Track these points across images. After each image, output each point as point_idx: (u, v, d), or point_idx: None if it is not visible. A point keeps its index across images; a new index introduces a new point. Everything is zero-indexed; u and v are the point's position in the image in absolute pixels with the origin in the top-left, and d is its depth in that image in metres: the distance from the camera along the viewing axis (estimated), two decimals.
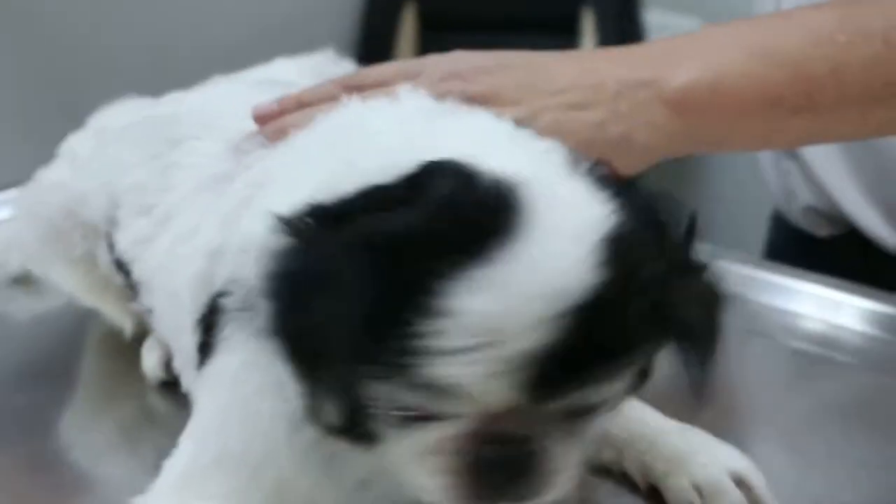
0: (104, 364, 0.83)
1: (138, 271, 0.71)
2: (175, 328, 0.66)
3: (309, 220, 0.47)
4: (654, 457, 0.64)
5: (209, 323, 0.58)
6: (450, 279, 0.43)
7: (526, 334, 0.43)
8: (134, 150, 0.73)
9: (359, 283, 0.44)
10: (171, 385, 0.72)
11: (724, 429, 0.67)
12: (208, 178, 0.66)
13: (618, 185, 0.50)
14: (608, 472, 0.66)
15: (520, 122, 0.57)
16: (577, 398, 0.46)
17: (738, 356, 0.82)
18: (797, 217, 1.02)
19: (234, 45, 1.64)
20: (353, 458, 0.53)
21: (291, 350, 0.47)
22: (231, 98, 0.74)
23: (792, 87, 0.67)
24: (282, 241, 0.47)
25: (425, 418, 0.47)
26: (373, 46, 1.98)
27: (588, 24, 1.98)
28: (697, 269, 0.51)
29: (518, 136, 0.55)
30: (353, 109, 0.61)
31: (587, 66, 0.68)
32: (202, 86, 0.81)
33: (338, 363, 0.46)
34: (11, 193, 1.00)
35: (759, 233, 1.16)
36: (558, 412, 0.47)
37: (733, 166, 2.02)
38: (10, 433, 0.72)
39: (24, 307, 0.91)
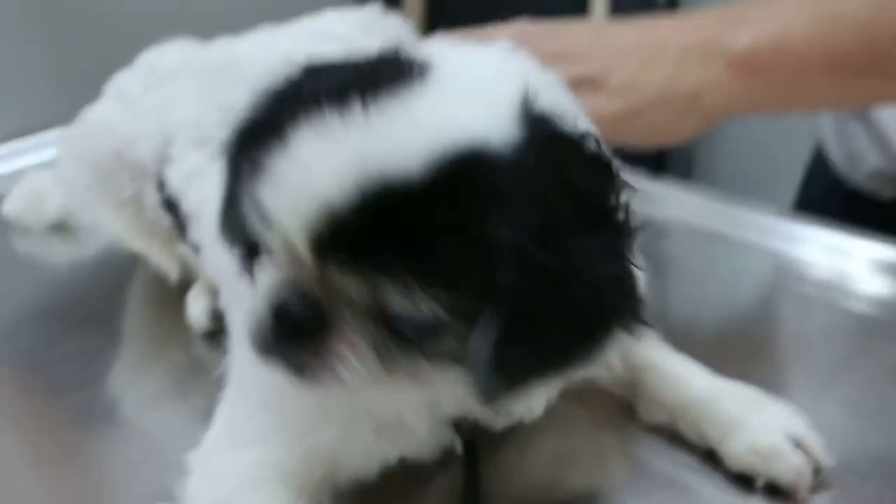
0: (149, 312, 0.82)
1: (189, 204, 0.70)
2: (222, 262, 0.64)
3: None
4: (709, 422, 0.63)
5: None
6: (296, 121, 0.46)
7: (329, 186, 0.44)
8: (191, 87, 0.73)
9: (263, 125, 0.49)
10: (217, 333, 0.72)
11: (779, 385, 0.67)
12: None
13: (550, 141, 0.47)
14: (661, 431, 0.65)
15: (591, 79, 0.55)
16: (363, 284, 0.46)
17: (797, 317, 0.81)
18: (860, 180, 1.00)
19: None
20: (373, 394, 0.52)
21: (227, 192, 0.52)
22: (291, 46, 0.73)
23: (858, 50, 0.66)
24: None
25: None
26: None
27: None
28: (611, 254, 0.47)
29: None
30: None
31: (649, 29, 0.68)
32: (254, 33, 0.79)
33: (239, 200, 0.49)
34: (52, 134, 1.03)
35: (788, 184, 1.15)
36: (354, 296, 0.46)
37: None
38: (60, 382, 0.72)
39: (63, 253, 0.91)
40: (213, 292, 0.73)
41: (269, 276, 0.49)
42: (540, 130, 0.47)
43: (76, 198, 0.82)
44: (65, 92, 1.40)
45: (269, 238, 0.47)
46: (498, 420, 0.58)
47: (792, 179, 1.15)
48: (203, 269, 0.73)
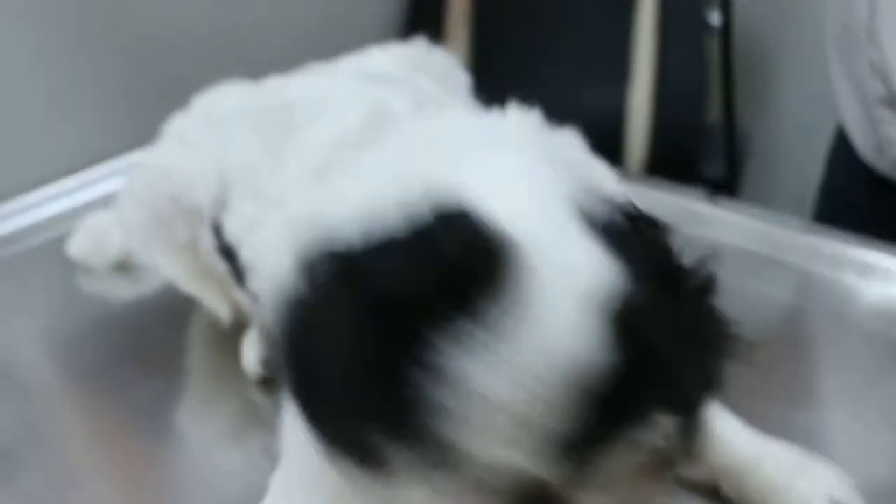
0: (208, 354, 0.85)
1: (246, 255, 0.71)
2: None
3: (323, 266, 0.46)
4: (753, 486, 0.64)
5: None
6: (457, 353, 0.41)
7: (539, 411, 0.41)
8: (247, 132, 0.74)
9: (359, 337, 0.43)
10: (270, 380, 0.73)
11: (824, 435, 0.68)
12: (312, 169, 0.66)
13: (631, 237, 0.47)
14: (702, 488, 0.66)
15: None
16: (599, 467, 0.44)
17: (829, 345, 0.81)
18: (887, 167, 0.99)
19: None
20: None
21: (304, 406, 0.47)
22: (339, 90, 0.74)
23: None
24: (295, 288, 0.46)
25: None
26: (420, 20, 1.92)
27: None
28: (709, 335, 0.48)
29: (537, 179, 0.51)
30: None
31: None
32: (303, 73, 0.81)
33: (354, 419, 0.44)
34: (120, 162, 1.08)
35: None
36: (583, 478, 0.45)
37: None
38: (126, 423, 0.76)
39: (126, 292, 0.94)
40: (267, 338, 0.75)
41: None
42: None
43: (135, 241, 0.85)
44: (119, 126, 1.45)
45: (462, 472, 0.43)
46: None
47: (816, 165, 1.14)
48: (260, 318, 0.75)
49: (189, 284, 0.83)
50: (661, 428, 0.45)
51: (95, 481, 0.72)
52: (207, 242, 0.77)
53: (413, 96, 0.70)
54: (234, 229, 0.72)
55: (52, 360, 0.87)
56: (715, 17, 1.70)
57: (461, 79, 0.87)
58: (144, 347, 0.85)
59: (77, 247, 0.95)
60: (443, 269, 0.43)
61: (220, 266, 0.77)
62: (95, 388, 0.81)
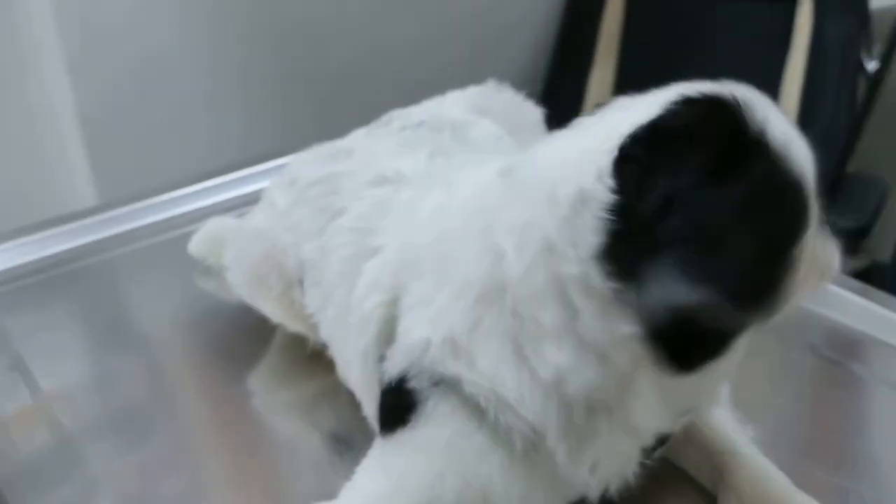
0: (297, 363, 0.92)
1: (321, 332, 0.79)
2: (356, 384, 0.74)
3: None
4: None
5: (398, 394, 0.64)
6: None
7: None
8: (310, 218, 0.80)
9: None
10: None
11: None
12: (347, 257, 0.73)
13: None
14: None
15: None
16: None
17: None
18: None
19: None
20: None
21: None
22: (377, 164, 0.79)
23: None
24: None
25: None
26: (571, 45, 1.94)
27: None
28: None
29: None
30: None
31: None
32: (359, 135, 0.87)
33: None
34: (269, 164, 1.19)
35: None
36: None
37: None
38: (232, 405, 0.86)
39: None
40: None
41: None
42: None
43: (241, 291, 0.92)
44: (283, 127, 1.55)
45: None
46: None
47: None
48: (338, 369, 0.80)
49: (292, 325, 0.89)
50: None
51: (210, 454, 0.82)
52: (299, 296, 0.84)
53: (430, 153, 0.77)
54: (310, 307, 0.80)
55: (183, 341, 0.98)
56: (872, 64, 1.64)
57: (531, 113, 0.93)
58: (246, 347, 0.94)
59: (195, 246, 1.05)
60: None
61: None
62: (218, 369, 0.91)
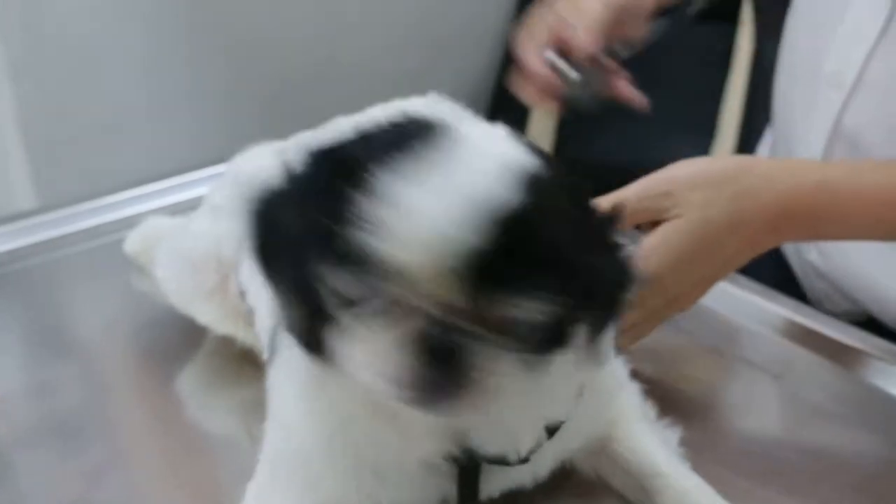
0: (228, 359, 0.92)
1: (249, 300, 0.80)
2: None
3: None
4: None
5: (271, 344, 0.69)
6: (392, 180, 0.50)
7: (450, 225, 0.49)
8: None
9: (313, 191, 0.53)
10: None
11: None
12: None
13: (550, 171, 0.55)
14: None
15: None
16: (505, 306, 0.51)
17: None
18: None
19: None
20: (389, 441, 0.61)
21: (267, 266, 0.56)
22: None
23: None
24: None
25: (375, 314, 0.53)
26: None
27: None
28: (614, 244, 0.58)
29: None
30: None
31: None
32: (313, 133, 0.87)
33: (303, 265, 0.53)
34: (212, 170, 1.19)
35: None
36: (485, 319, 0.52)
37: None
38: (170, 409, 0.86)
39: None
40: None
41: (389, 328, 0.52)
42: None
43: (171, 292, 0.93)
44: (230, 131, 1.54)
45: (388, 288, 0.51)
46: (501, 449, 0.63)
47: None
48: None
49: (221, 326, 0.90)
50: (548, 305, 0.52)
51: (144, 459, 0.81)
52: (234, 286, 0.85)
53: None
54: (242, 278, 0.81)
55: (120, 346, 0.96)
56: None
57: None
58: (181, 349, 0.94)
59: (131, 244, 1.04)
60: (388, 131, 0.55)
61: (243, 306, 0.84)
62: (156, 374, 0.91)
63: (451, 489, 0.65)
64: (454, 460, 0.63)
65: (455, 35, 1.83)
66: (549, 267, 0.51)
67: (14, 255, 1.10)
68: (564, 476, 0.73)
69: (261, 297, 0.76)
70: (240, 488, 0.68)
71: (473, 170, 0.51)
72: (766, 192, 0.73)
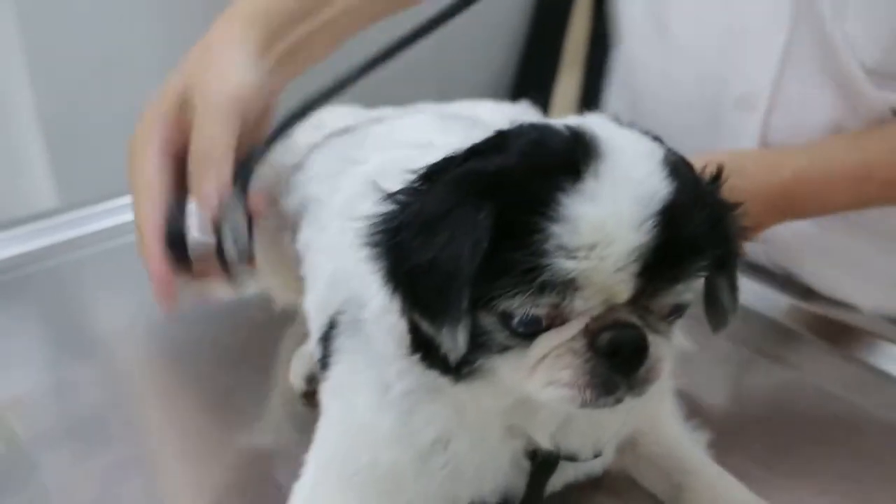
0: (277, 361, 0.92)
1: (304, 270, 0.78)
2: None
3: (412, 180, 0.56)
4: None
5: (327, 340, 0.66)
6: (558, 194, 0.50)
7: (630, 233, 0.51)
8: (326, 163, 0.80)
9: (472, 215, 0.51)
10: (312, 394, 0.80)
11: None
12: (342, 205, 0.73)
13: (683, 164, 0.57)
14: None
15: None
16: (667, 295, 0.54)
17: None
18: None
19: None
20: (461, 449, 0.61)
21: (416, 290, 0.54)
22: (413, 129, 0.80)
23: None
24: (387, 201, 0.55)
25: (542, 329, 0.53)
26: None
27: None
28: (729, 204, 0.59)
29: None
30: None
31: None
32: (409, 110, 0.88)
33: (461, 292, 0.52)
34: None
35: None
36: (656, 309, 0.54)
37: None
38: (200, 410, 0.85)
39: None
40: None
41: (564, 332, 0.53)
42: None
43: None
44: None
45: (570, 295, 0.52)
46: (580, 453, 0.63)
47: None
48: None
49: (267, 276, 0.87)
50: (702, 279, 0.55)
51: (164, 458, 0.81)
52: (289, 243, 0.83)
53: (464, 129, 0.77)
54: (299, 244, 0.79)
55: (141, 347, 0.96)
56: None
57: None
58: (205, 350, 0.93)
59: None
60: (533, 145, 0.54)
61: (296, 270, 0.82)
62: (175, 375, 0.91)
63: (518, 484, 0.64)
64: (534, 457, 0.63)
65: (474, 34, 1.83)
66: (702, 247, 0.53)
67: (35, 255, 1.10)
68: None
69: (316, 271, 0.74)
70: (260, 488, 0.67)
71: (629, 168, 0.52)
72: (741, 188, 0.73)
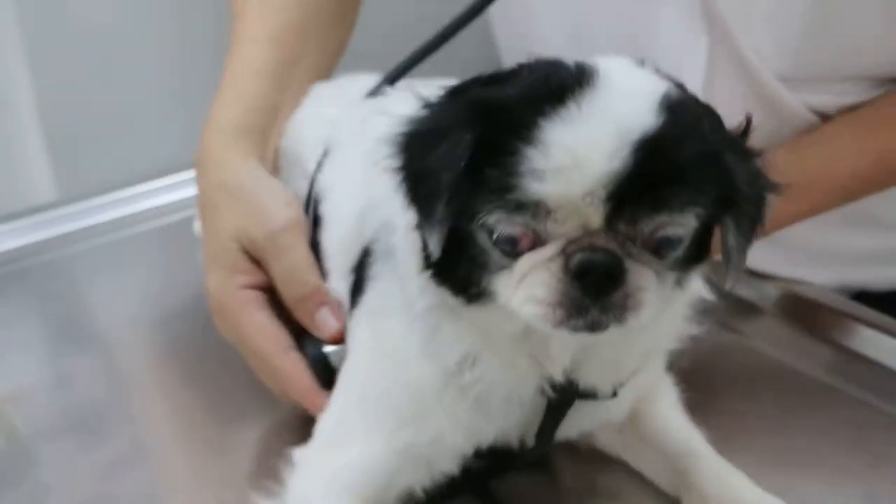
0: None
1: (323, 208, 0.78)
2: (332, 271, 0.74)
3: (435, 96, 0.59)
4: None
5: (361, 268, 0.68)
6: (539, 120, 0.52)
7: (601, 159, 0.52)
8: (353, 115, 0.81)
9: (465, 130, 0.55)
10: None
11: None
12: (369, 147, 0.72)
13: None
14: None
15: None
16: (646, 224, 0.54)
17: None
18: None
19: None
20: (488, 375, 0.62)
21: (413, 192, 0.57)
22: (437, 88, 0.80)
23: None
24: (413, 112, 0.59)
25: (522, 251, 0.55)
26: None
27: None
28: (751, 152, 0.58)
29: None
30: None
31: None
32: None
33: (451, 198, 0.55)
34: None
35: None
36: (635, 237, 0.54)
37: None
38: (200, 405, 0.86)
39: None
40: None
41: (544, 253, 0.55)
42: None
43: None
44: None
45: (544, 217, 0.53)
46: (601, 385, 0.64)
47: None
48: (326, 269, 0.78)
49: None
50: (696, 216, 0.55)
51: (165, 451, 0.81)
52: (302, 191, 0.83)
53: None
54: (320, 184, 0.80)
55: (141, 340, 0.96)
56: None
57: None
58: (205, 343, 0.90)
59: (198, 227, 1.00)
60: (532, 76, 0.56)
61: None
62: (176, 368, 0.90)
63: (533, 422, 0.65)
64: (554, 391, 0.63)
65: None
66: (688, 180, 0.53)
67: (35, 248, 1.10)
68: (593, 475, 0.72)
69: (340, 208, 0.75)
70: (260, 482, 0.67)
71: (613, 100, 0.53)
72: None
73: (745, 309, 0.94)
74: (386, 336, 0.65)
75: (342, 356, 0.72)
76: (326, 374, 0.72)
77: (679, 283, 0.59)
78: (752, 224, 0.58)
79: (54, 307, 1.02)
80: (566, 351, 0.61)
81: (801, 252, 0.98)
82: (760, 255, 1.01)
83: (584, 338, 0.57)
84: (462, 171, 0.54)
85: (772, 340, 0.90)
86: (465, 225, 0.56)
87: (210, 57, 1.53)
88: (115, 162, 1.33)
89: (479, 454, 0.67)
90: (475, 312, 0.59)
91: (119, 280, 1.05)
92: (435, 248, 0.56)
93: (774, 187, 0.59)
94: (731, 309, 0.91)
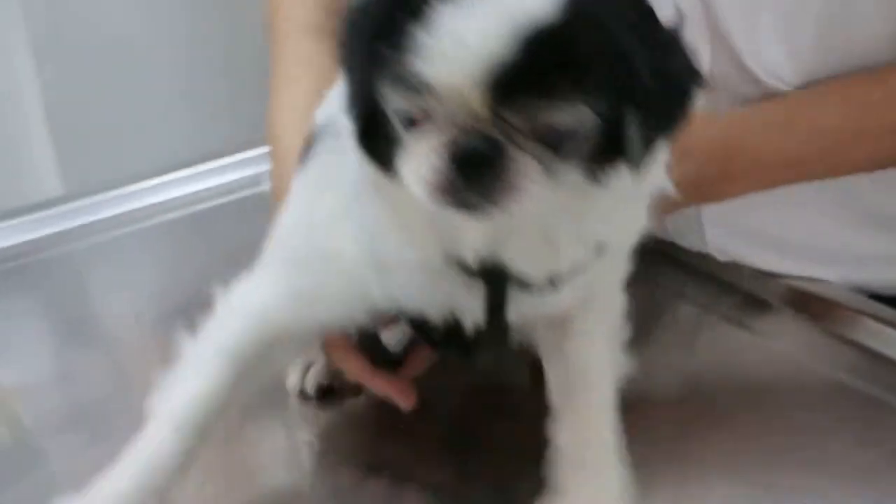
0: None
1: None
2: None
3: None
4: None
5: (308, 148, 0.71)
6: (435, 2, 0.52)
7: (487, 44, 0.52)
8: None
9: (373, 11, 0.56)
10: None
11: None
12: None
13: None
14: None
15: None
16: (532, 113, 0.54)
17: None
18: None
19: None
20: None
21: (345, 71, 0.60)
22: None
23: None
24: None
25: (419, 123, 0.56)
26: None
27: None
28: (671, 46, 0.58)
29: None
30: None
31: None
32: None
33: (362, 72, 0.57)
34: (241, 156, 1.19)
35: None
36: (524, 127, 0.54)
37: None
38: None
39: None
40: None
41: (433, 133, 0.55)
42: None
43: None
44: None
45: (430, 98, 0.54)
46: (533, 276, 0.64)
47: None
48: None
49: None
50: (589, 107, 0.54)
51: None
52: None
53: None
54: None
55: (146, 335, 0.96)
56: None
57: None
58: None
59: None
60: None
61: None
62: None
63: (471, 303, 0.65)
64: (480, 272, 0.63)
65: None
66: (579, 70, 0.53)
67: (40, 243, 1.10)
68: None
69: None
70: (262, 477, 0.67)
71: None
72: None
73: (757, 305, 0.94)
74: (314, 199, 0.68)
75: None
76: (379, 352, 0.75)
77: (595, 178, 0.58)
78: (660, 119, 0.57)
79: (59, 302, 1.02)
80: (473, 231, 0.61)
81: (813, 253, 0.97)
82: (770, 257, 1.03)
83: (471, 218, 0.57)
84: (367, 45, 0.56)
85: (783, 337, 0.90)
86: (378, 98, 0.57)
87: (216, 53, 1.54)
88: (120, 158, 1.33)
89: (419, 324, 0.69)
90: (391, 188, 0.60)
91: (124, 275, 1.05)
92: (353, 121, 0.58)
93: (695, 81, 0.58)
94: (742, 305, 0.91)
